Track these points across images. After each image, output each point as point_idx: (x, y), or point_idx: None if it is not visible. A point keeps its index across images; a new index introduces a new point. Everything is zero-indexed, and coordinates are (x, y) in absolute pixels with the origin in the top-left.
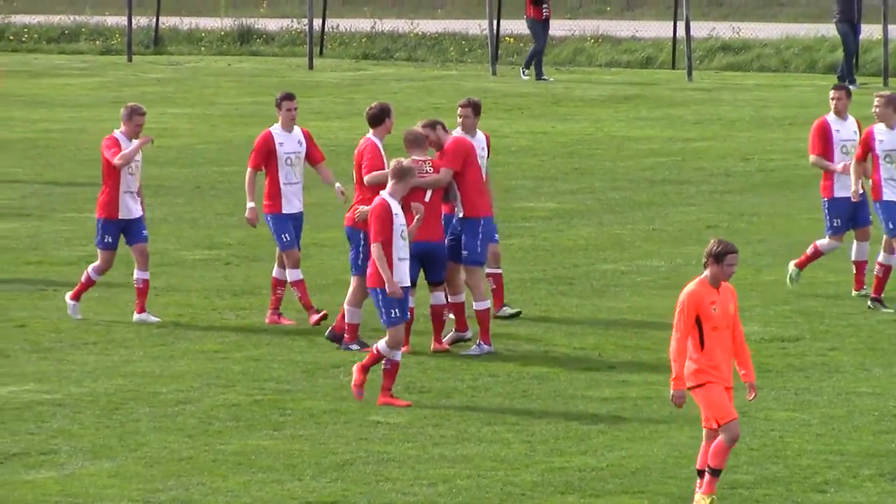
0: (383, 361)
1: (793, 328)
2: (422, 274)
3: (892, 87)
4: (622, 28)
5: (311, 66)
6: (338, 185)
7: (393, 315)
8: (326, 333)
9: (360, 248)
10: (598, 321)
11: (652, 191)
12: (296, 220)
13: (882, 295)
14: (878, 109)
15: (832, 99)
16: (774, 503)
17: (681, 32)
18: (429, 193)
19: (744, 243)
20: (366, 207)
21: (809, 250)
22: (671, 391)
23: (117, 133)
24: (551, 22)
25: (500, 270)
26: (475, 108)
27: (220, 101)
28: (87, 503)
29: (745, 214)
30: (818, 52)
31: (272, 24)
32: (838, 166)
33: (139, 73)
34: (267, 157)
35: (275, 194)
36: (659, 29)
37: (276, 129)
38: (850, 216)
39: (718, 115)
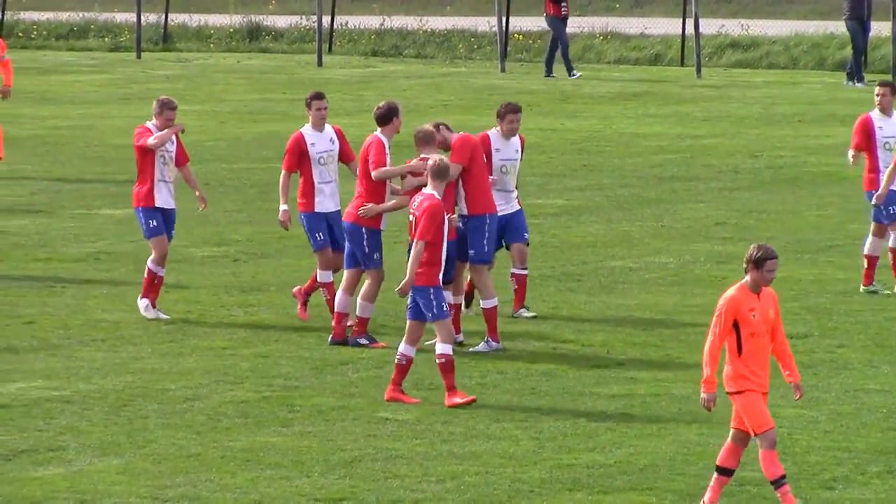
0: (397, 356)
1: (801, 325)
2: None
3: None
4: (631, 25)
5: (320, 63)
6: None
7: (444, 308)
8: (329, 341)
9: (365, 243)
10: (606, 318)
11: (660, 187)
12: (332, 220)
13: None
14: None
15: (877, 95)
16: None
17: (690, 29)
18: None
19: (752, 240)
20: (372, 205)
21: (891, 260)
22: (702, 394)
23: (149, 124)
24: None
25: (525, 272)
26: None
27: (229, 97)
28: (95, 500)
29: (753, 211)
30: (827, 50)
31: (281, 21)
32: (849, 158)
33: (148, 70)
34: (300, 158)
35: (308, 193)
36: (668, 26)
37: (306, 130)
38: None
39: (727, 112)
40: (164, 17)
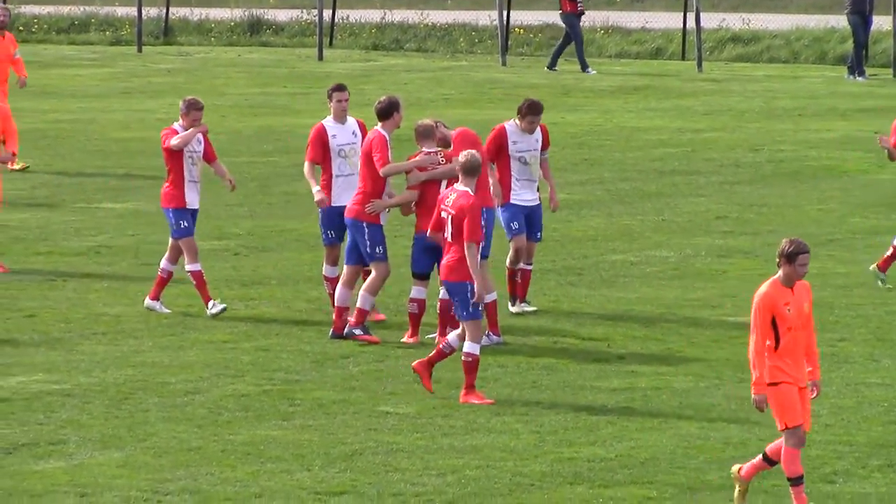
0: (464, 356)
1: None
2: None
3: None
4: (632, 19)
5: (320, 57)
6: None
7: (480, 307)
8: (330, 335)
9: (367, 237)
10: (607, 312)
11: (661, 181)
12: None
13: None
14: None
15: None
16: (783, 493)
17: (691, 23)
18: (443, 185)
19: (753, 234)
20: (378, 201)
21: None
22: (753, 396)
23: (176, 125)
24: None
25: (530, 267)
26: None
27: (229, 91)
28: (96, 493)
29: (754, 205)
30: (828, 44)
31: (282, 15)
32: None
33: (149, 64)
34: (322, 149)
35: (326, 186)
36: (669, 20)
37: (328, 122)
38: None
39: (728, 106)
40: (164, 10)
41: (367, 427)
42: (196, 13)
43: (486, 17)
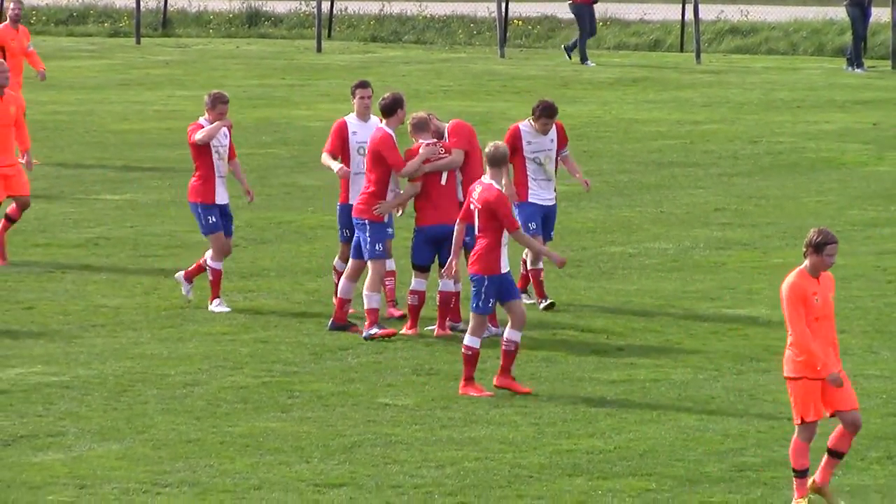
0: (505, 342)
1: None
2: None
3: None
4: (631, 11)
5: (319, 49)
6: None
7: (490, 304)
8: (328, 326)
9: (367, 234)
10: (605, 304)
11: (660, 173)
12: None
13: None
14: None
15: None
16: (782, 485)
17: (689, 15)
18: (444, 176)
19: (751, 226)
20: (385, 202)
21: None
22: (828, 379)
23: (202, 120)
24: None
25: (541, 266)
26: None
27: (228, 83)
28: (94, 485)
29: (753, 197)
30: (826, 35)
31: (280, 7)
32: None
33: (147, 56)
34: (340, 144)
35: (344, 184)
36: (667, 11)
37: (350, 118)
38: None
39: (726, 98)
40: (163, 2)
41: (366, 419)
42: (194, 5)
43: (485, 9)
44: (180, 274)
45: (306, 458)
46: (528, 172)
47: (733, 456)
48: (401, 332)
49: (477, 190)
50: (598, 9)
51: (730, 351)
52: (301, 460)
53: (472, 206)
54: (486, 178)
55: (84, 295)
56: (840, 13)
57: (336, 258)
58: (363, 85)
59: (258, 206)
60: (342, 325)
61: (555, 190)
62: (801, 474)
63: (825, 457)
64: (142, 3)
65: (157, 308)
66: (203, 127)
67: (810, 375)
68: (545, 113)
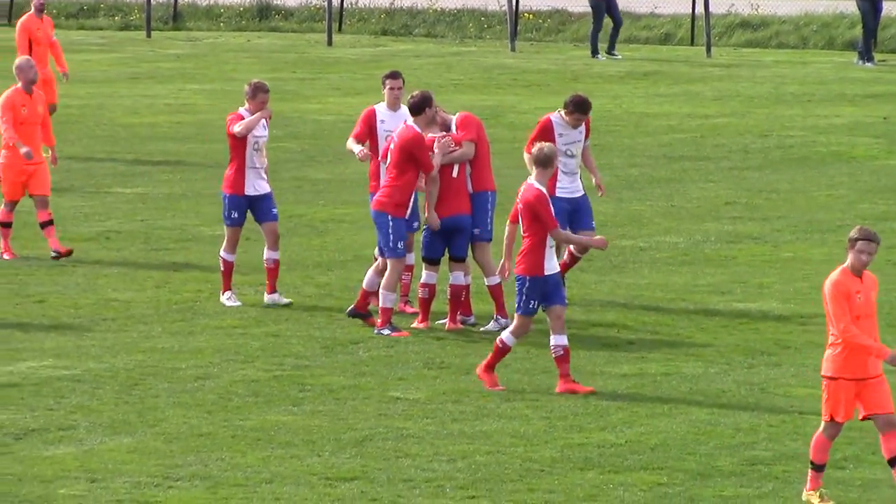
0: (552, 348)
1: (812, 305)
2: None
3: None
4: (641, 4)
5: (329, 43)
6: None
7: (531, 306)
8: (347, 311)
9: (390, 231)
10: (616, 298)
11: (670, 167)
12: None
13: None
14: None
15: None
16: (794, 479)
17: (700, 9)
18: (455, 169)
19: (762, 220)
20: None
21: None
22: (887, 361)
23: (242, 110)
24: None
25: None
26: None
27: (238, 77)
28: (106, 479)
29: (763, 191)
30: (837, 29)
31: (291, 0)
32: None
33: (158, 50)
34: (369, 131)
35: (374, 174)
36: (678, 5)
37: (380, 107)
38: None
39: (737, 92)
40: None
41: (378, 412)
42: None
43: (495, 3)
44: (266, 297)
45: (318, 451)
46: (559, 166)
47: (745, 450)
48: (412, 326)
49: (521, 189)
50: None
51: (741, 345)
52: (312, 454)
53: (518, 207)
54: (531, 178)
55: (95, 288)
56: (851, 7)
57: (376, 248)
58: (393, 76)
59: None
60: (361, 313)
61: (581, 179)
62: (819, 468)
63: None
64: None
65: (167, 302)
66: (242, 118)
67: (847, 376)
68: (579, 109)
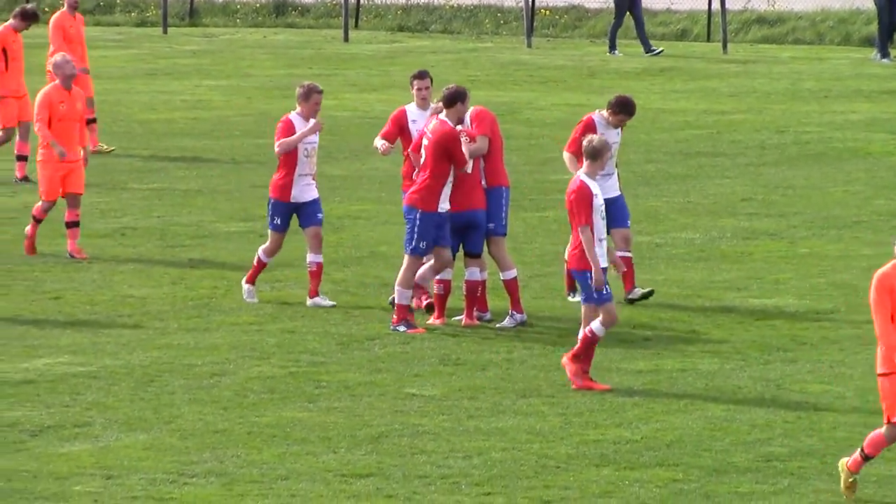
0: (587, 332)
1: (827, 301)
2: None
3: None
4: (657, 0)
5: (346, 39)
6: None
7: (605, 293)
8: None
9: (416, 229)
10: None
11: (687, 163)
12: None
13: None
14: None
15: None
16: (809, 475)
17: (716, 5)
18: (470, 163)
19: (778, 216)
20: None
21: None
22: None
23: (293, 115)
24: None
25: (630, 254)
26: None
27: (255, 73)
28: (121, 475)
29: (779, 187)
30: (853, 25)
31: None
32: None
33: (174, 46)
34: (398, 131)
35: (408, 174)
36: (694, 1)
37: (410, 107)
38: None
39: (753, 88)
40: None
41: (393, 409)
42: None
43: None
44: (309, 301)
45: (333, 448)
46: None
47: (760, 446)
48: (427, 322)
49: (570, 181)
50: None
51: (756, 341)
52: (328, 450)
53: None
54: (580, 171)
55: (111, 285)
56: (867, 2)
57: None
58: (420, 76)
59: None
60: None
61: (618, 178)
62: (868, 458)
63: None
64: None
65: (183, 298)
66: (291, 122)
67: None
68: (625, 110)
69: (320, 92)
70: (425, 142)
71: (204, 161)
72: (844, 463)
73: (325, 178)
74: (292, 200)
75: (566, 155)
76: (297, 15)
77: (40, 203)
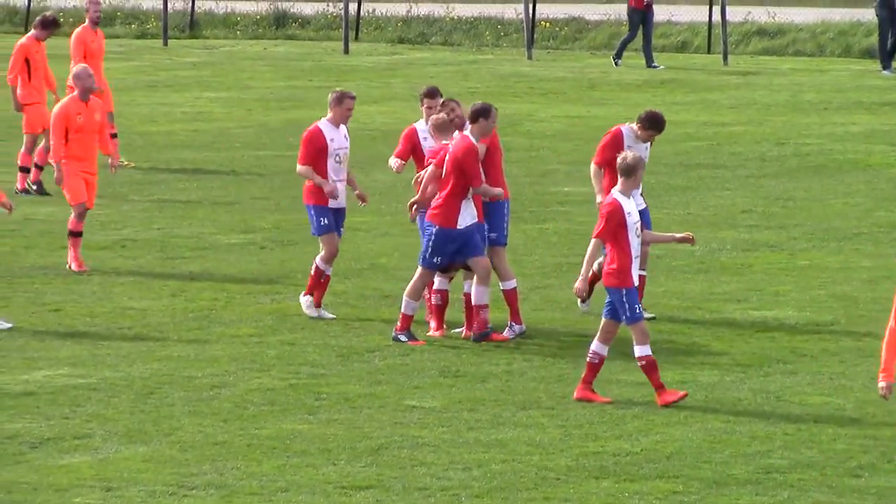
0: (589, 354)
1: (827, 313)
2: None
3: None
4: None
5: (346, 51)
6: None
7: (637, 311)
8: (473, 337)
9: (431, 243)
10: None
11: (687, 175)
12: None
13: None
14: None
15: None
16: (809, 487)
17: (716, 17)
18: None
19: (778, 228)
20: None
21: None
22: (879, 382)
23: (322, 122)
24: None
25: (644, 272)
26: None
27: (255, 85)
28: (121, 487)
29: (780, 199)
30: (854, 37)
31: (308, 8)
32: None
33: (175, 58)
34: (411, 149)
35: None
36: (694, 13)
37: (419, 125)
38: None
39: (754, 100)
40: (190, 4)
41: (393, 421)
42: (222, 6)
43: (512, 11)
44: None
45: (333, 460)
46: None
47: (760, 458)
48: (427, 334)
49: (605, 201)
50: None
51: (756, 353)
52: (328, 462)
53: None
54: (616, 189)
55: (111, 297)
56: (867, 15)
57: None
58: (429, 94)
59: (285, 208)
60: (483, 332)
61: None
62: None
63: None
64: (169, 4)
65: (183, 310)
66: (321, 131)
67: None
68: (654, 126)
69: (353, 98)
70: (447, 156)
71: (204, 173)
72: None
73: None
74: (330, 206)
75: (593, 167)
76: (297, 27)
77: (72, 214)
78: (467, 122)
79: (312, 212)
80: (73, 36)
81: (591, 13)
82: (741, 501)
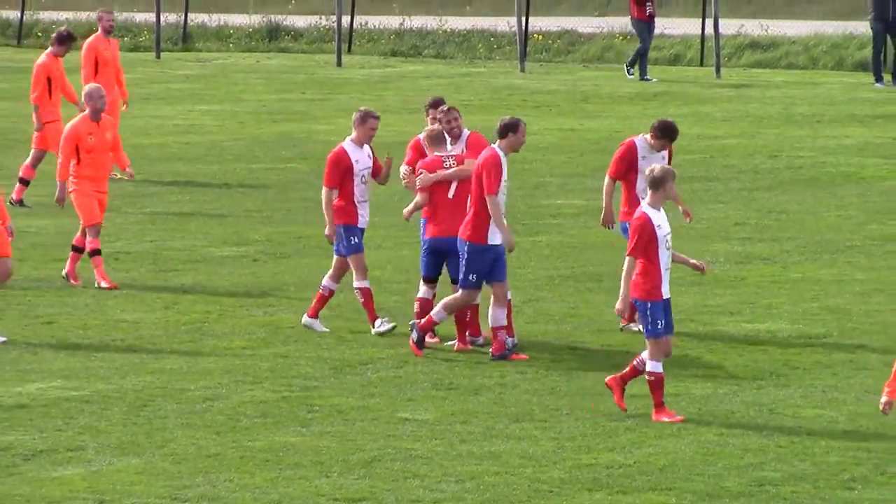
0: (647, 375)
1: (820, 325)
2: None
3: None
4: None
5: (339, 63)
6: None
7: (659, 326)
8: (492, 357)
9: (465, 263)
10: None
11: (680, 188)
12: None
13: None
14: None
15: None
16: (802, 500)
17: (709, 30)
18: (452, 187)
19: (771, 241)
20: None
21: None
22: (882, 397)
23: (346, 143)
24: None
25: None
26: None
27: (248, 97)
28: (114, 500)
29: (773, 212)
30: (847, 50)
31: (301, 21)
32: None
33: (167, 70)
34: (418, 159)
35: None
36: (687, 26)
37: (423, 136)
38: None
39: (746, 113)
40: (183, 17)
41: (386, 433)
42: (214, 19)
43: (505, 24)
44: (305, 319)
45: (326, 472)
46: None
47: (753, 470)
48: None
49: (635, 215)
50: (619, 23)
51: (749, 365)
52: (321, 475)
53: None
54: (645, 202)
55: (104, 309)
56: (860, 28)
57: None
58: (434, 105)
59: (278, 221)
60: (503, 354)
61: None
62: None
63: None
64: (162, 17)
65: (176, 323)
66: (345, 151)
67: None
68: (667, 135)
69: (377, 118)
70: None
71: (197, 185)
72: None
73: (317, 203)
74: (360, 224)
75: (607, 180)
76: (290, 39)
77: (89, 236)
78: (496, 136)
79: (342, 231)
80: (85, 45)
81: (584, 26)
82: None
